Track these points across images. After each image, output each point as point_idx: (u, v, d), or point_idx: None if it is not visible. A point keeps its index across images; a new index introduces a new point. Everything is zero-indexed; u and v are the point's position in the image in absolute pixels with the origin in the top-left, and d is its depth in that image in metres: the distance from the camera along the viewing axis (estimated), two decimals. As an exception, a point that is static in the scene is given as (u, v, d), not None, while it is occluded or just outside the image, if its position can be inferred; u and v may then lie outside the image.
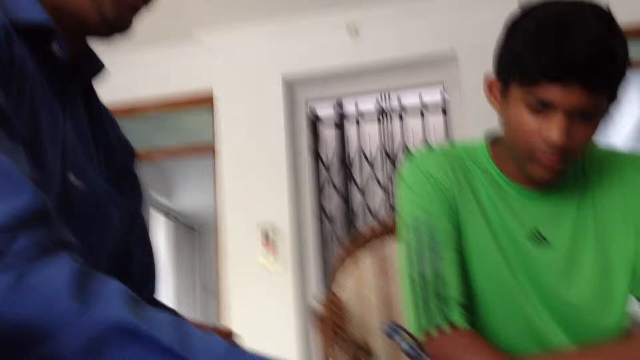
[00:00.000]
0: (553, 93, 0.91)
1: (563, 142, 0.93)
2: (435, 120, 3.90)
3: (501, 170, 1.08)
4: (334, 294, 1.48)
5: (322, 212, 3.91)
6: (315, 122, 3.97)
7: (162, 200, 6.01)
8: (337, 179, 3.98)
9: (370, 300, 1.48)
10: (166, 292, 6.03)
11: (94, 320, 0.51)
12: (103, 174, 0.80)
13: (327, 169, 3.97)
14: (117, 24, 0.75)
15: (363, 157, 3.97)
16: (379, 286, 1.48)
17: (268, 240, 3.64)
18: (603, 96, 0.93)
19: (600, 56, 0.90)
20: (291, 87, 3.84)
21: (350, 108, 4.02)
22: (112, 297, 0.53)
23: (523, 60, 0.93)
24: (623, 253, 1.04)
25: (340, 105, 4.02)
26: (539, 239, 1.05)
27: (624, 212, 1.05)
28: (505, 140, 1.07)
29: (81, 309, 0.51)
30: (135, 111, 3.82)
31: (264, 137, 3.73)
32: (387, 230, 1.61)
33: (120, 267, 0.80)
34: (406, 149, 3.91)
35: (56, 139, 0.71)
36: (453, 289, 1.00)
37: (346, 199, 3.97)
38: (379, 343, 1.45)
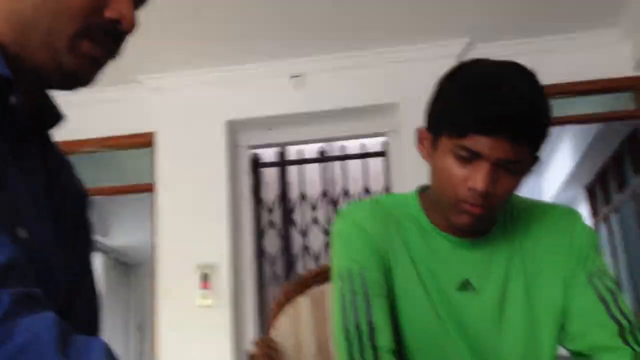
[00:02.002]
0: (481, 144, 0.98)
1: (487, 189, 0.99)
2: (376, 163, 4.02)
3: (430, 220, 1.12)
4: (269, 338, 1.51)
5: (261, 253, 3.94)
6: (257, 165, 4.02)
7: (98, 237, 5.92)
8: (278, 221, 4.02)
9: (307, 346, 1.52)
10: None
11: None
12: (51, 226, 0.79)
13: (268, 210, 4.01)
14: (76, 76, 0.77)
15: (304, 200, 4.03)
16: (315, 332, 1.53)
17: (206, 281, 3.64)
18: (526, 149, 1.00)
19: (525, 112, 0.97)
20: (234, 132, 3.89)
21: (292, 152, 4.10)
22: (95, 354, 0.56)
23: (454, 114, 1.00)
24: (550, 303, 1.09)
25: (282, 150, 4.10)
26: (468, 288, 1.09)
27: (552, 263, 1.10)
28: (432, 189, 1.12)
29: None
30: (75, 149, 3.79)
31: (205, 179, 3.75)
32: (326, 275, 1.67)
33: (66, 316, 0.80)
34: (346, 193, 4.00)
35: (6, 192, 0.71)
36: (385, 339, 1.03)
37: (286, 241, 4.01)
38: (314, 387, 1.49)
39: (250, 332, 3.69)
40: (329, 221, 3.98)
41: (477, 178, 0.99)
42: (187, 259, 3.65)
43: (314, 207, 4.00)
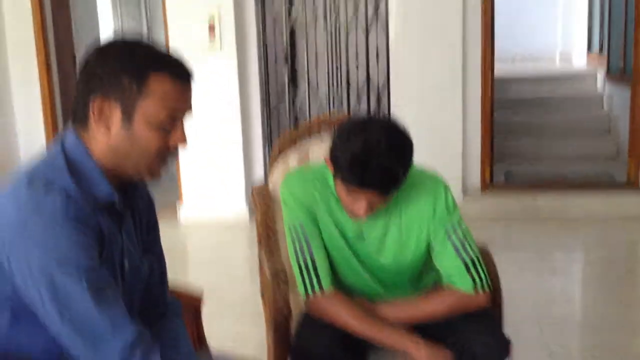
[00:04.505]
0: (359, 193, 1.46)
1: (365, 214, 1.49)
2: None
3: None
4: (265, 187, 2.01)
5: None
6: None
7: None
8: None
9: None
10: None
11: None
12: (140, 246, 1.23)
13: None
14: (151, 180, 1.18)
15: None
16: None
17: (213, 30, 3.97)
18: (391, 192, 1.49)
19: (387, 181, 1.44)
20: None
21: None
22: None
23: (342, 173, 1.46)
24: (416, 243, 1.60)
25: None
26: (361, 237, 1.61)
27: (419, 223, 1.59)
28: None
29: None
30: None
31: None
32: (315, 128, 2.09)
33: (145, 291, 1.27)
34: None
35: (119, 250, 1.15)
36: (323, 267, 1.59)
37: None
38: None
39: (254, 75, 4.16)
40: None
41: (359, 207, 1.50)
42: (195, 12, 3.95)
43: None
